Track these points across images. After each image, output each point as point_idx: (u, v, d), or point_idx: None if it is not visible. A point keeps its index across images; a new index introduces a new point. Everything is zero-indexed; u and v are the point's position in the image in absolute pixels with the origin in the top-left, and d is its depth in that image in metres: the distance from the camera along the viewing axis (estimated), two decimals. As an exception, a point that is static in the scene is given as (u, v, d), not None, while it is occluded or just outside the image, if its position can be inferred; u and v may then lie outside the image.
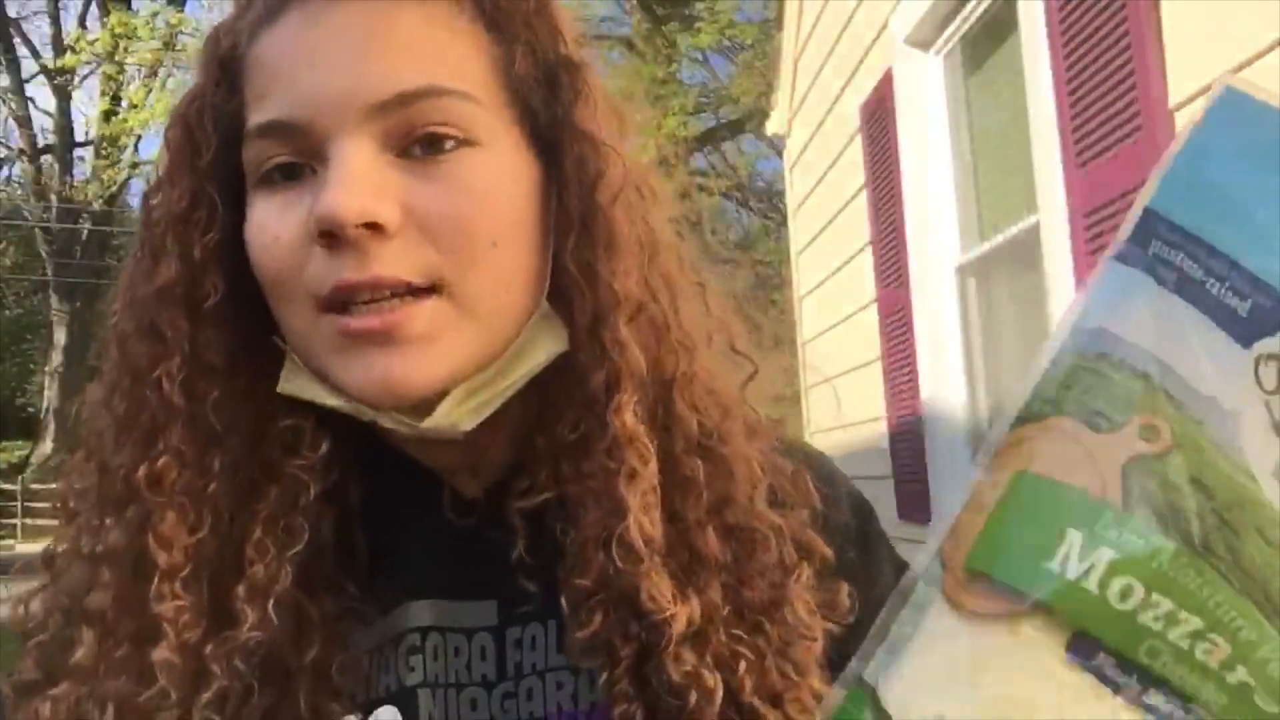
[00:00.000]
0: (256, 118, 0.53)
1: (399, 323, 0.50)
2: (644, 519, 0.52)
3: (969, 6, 3.12)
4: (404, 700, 0.55)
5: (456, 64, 0.53)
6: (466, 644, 0.57)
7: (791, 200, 5.39)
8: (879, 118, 3.73)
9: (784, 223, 6.35)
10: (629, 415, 0.53)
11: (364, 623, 0.56)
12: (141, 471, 0.53)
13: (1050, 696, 0.31)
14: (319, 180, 0.52)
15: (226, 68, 0.57)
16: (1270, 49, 1.77)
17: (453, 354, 0.52)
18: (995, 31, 3.06)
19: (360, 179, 0.50)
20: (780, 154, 5.89)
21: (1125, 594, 0.31)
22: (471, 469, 0.59)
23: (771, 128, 5.68)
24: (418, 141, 0.52)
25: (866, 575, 0.62)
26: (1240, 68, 1.84)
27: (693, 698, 0.51)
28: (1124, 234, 0.35)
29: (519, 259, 0.54)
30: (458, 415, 0.54)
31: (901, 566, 0.65)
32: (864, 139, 3.93)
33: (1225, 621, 0.31)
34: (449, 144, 0.52)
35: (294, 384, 0.55)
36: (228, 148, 0.56)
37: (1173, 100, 2.02)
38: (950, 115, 3.41)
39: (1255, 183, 0.33)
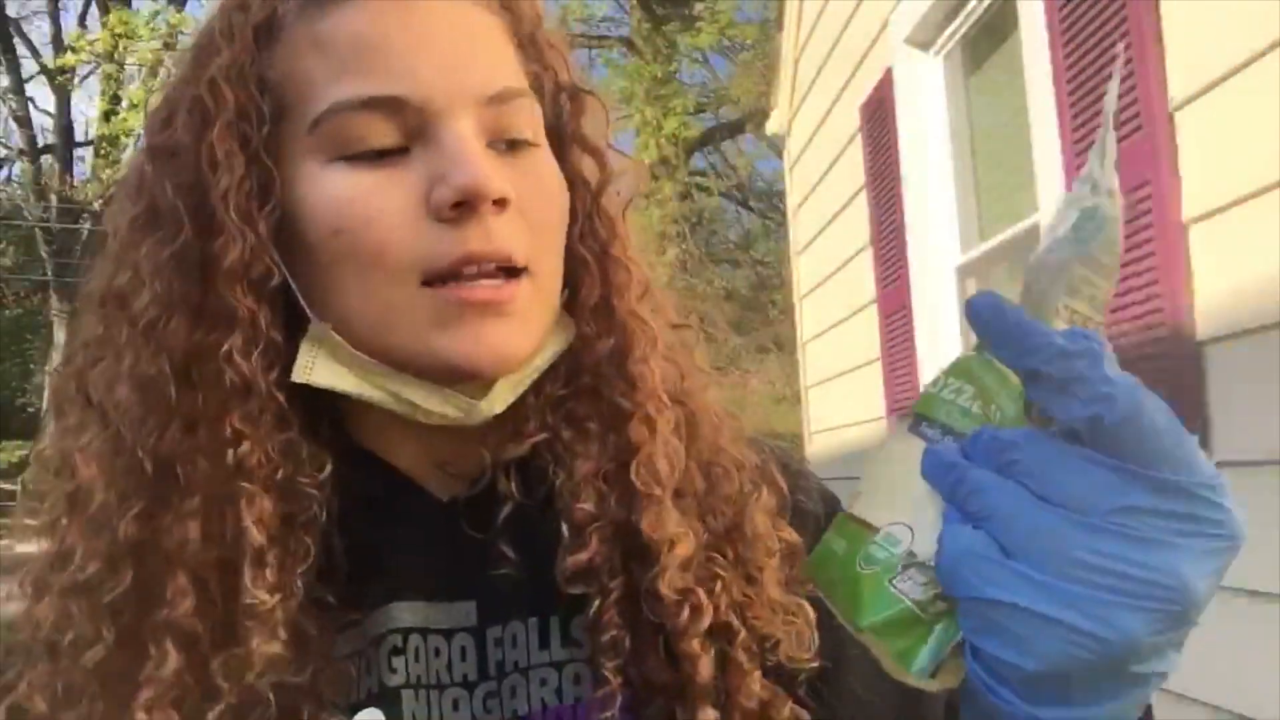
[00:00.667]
0: (355, 90, 0.53)
1: (511, 296, 0.54)
2: (660, 455, 0.57)
3: (969, 6, 3.12)
4: (387, 702, 0.55)
5: (519, 72, 0.59)
6: (446, 645, 0.57)
7: (791, 200, 5.39)
8: (879, 118, 3.73)
9: (784, 223, 6.35)
10: (650, 370, 0.59)
11: (346, 627, 0.56)
12: (230, 454, 0.51)
13: (898, 451, 0.46)
14: (420, 159, 0.53)
15: (261, 37, 0.56)
16: (1270, 49, 1.77)
17: (536, 327, 0.56)
18: (995, 31, 3.06)
19: (488, 156, 0.54)
20: (780, 154, 5.89)
21: (943, 386, 0.46)
22: (458, 466, 0.59)
23: (771, 128, 5.68)
24: (503, 143, 0.56)
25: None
26: (1240, 68, 1.84)
27: (683, 614, 0.55)
28: None
29: (563, 250, 0.60)
30: (500, 397, 0.56)
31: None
32: (864, 139, 3.93)
33: (985, 387, 0.45)
34: (526, 147, 0.57)
35: (319, 372, 0.54)
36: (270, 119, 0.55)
37: (1173, 100, 2.02)
38: (950, 115, 3.41)
39: None
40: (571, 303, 0.60)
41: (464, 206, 0.52)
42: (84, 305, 0.58)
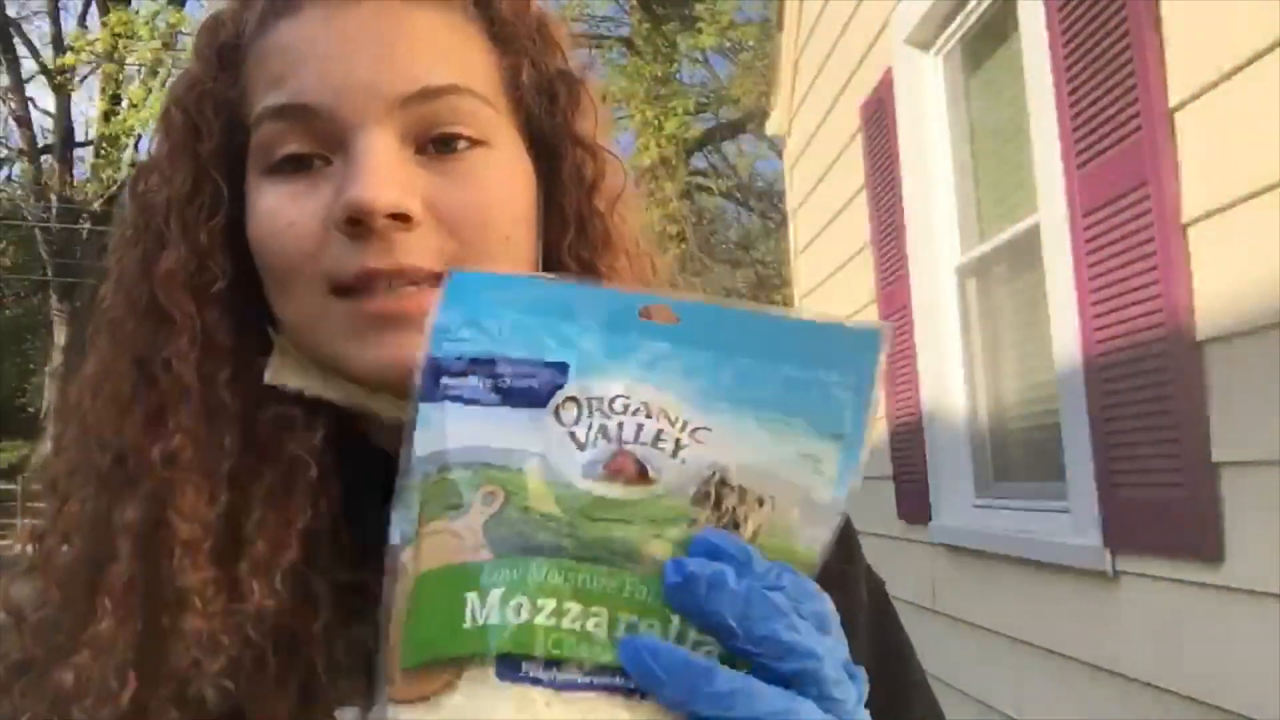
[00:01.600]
0: (272, 99, 0.54)
1: (419, 306, 0.52)
2: None
3: (969, 6, 3.12)
4: None
5: (471, 69, 0.56)
6: None
7: (791, 200, 5.39)
8: (879, 118, 3.73)
9: (784, 223, 6.34)
10: None
11: (358, 613, 0.55)
12: (156, 450, 0.53)
13: (501, 714, 0.38)
14: (337, 170, 0.54)
15: (226, 56, 0.58)
16: (1270, 49, 1.77)
17: None
18: (995, 31, 3.06)
19: (388, 171, 0.52)
20: (780, 154, 5.89)
21: (518, 611, 0.39)
22: None
23: (771, 128, 5.68)
24: (433, 141, 0.55)
25: (841, 577, 0.63)
26: (1240, 68, 1.84)
27: None
28: (419, 381, 0.43)
29: (523, 254, 0.58)
30: None
31: (875, 581, 0.67)
32: (864, 139, 3.93)
33: (600, 591, 0.39)
34: (462, 144, 0.55)
35: (284, 375, 0.56)
36: (226, 135, 0.57)
37: (1173, 100, 2.02)
38: (950, 115, 3.41)
39: (503, 311, 0.44)
40: None
41: (359, 224, 0.52)
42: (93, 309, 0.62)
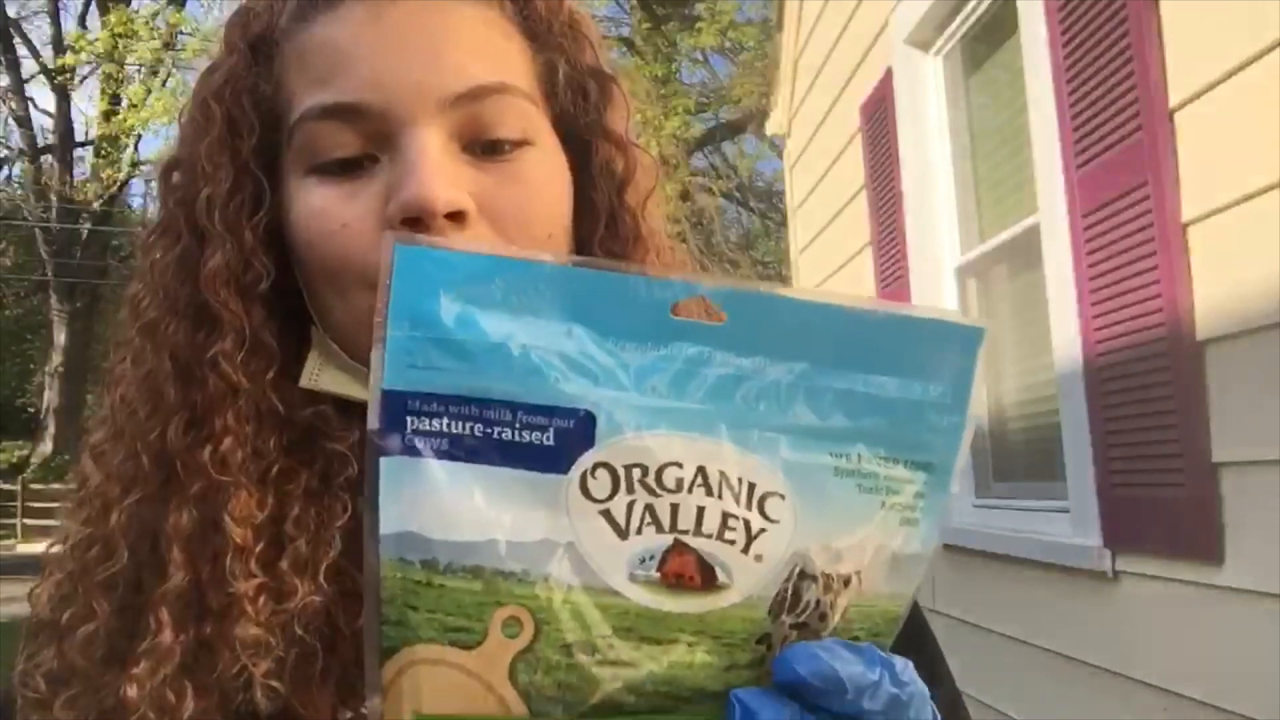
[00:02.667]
0: (319, 99, 0.53)
1: None
2: None
3: (969, 6, 3.12)
4: None
5: (514, 65, 0.57)
6: None
7: (791, 200, 5.39)
8: (879, 118, 3.73)
9: (784, 223, 6.34)
10: None
11: None
12: (205, 452, 0.52)
13: None
14: (384, 168, 0.53)
15: (259, 50, 0.57)
16: (1270, 49, 1.77)
17: None
18: (995, 31, 3.06)
19: (442, 169, 0.52)
20: (780, 154, 5.88)
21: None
22: None
23: (771, 128, 5.68)
24: (480, 143, 0.54)
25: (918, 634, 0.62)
26: (1240, 68, 1.84)
27: None
28: (373, 422, 0.32)
29: (562, 249, 0.58)
30: None
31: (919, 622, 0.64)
32: (864, 139, 3.93)
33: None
34: (508, 147, 0.55)
35: (322, 379, 0.56)
36: (263, 131, 0.56)
37: (1173, 100, 2.02)
38: (950, 115, 3.41)
39: (487, 323, 0.32)
40: None
41: (416, 222, 0.51)
42: (120, 305, 0.61)
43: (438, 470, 0.32)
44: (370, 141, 0.53)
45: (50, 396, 21.78)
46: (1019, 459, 3.08)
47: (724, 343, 0.34)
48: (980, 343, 0.36)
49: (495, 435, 0.32)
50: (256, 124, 0.56)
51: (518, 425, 0.32)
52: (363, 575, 0.34)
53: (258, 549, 0.52)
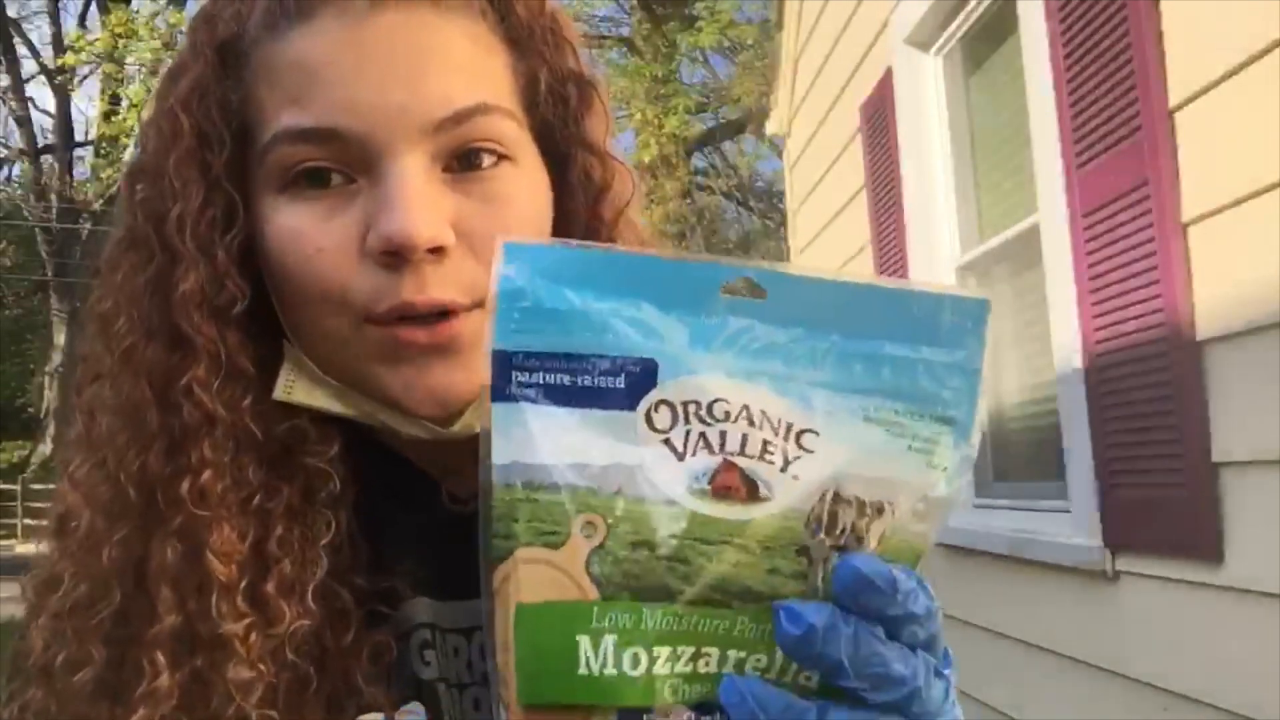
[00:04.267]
0: (293, 121, 0.52)
1: (455, 335, 0.52)
2: None
3: (969, 6, 3.12)
4: (425, 695, 0.55)
5: (495, 81, 0.55)
6: (465, 644, 0.57)
7: (791, 200, 5.39)
8: (879, 118, 3.73)
9: (784, 223, 6.34)
10: None
11: (374, 619, 0.56)
12: (184, 486, 0.51)
13: None
14: (362, 190, 0.52)
15: (227, 57, 0.55)
16: (1270, 49, 1.77)
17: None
18: (995, 31, 3.06)
19: (424, 201, 0.51)
20: (780, 154, 5.88)
21: (635, 662, 0.38)
22: (467, 473, 0.59)
23: (771, 128, 5.68)
24: (459, 156, 0.53)
25: None
26: (1240, 68, 1.84)
27: None
28: (488, 378, 0.40)
29: None
30: (475, 419, 0.54)
31: None
32: (864, 139, 3.93)
33: (711, 632, 0.39)
34: (487, 160, 0.54)
35: (296, 392, 0.55)
36: (234, 145, 0.55)
37: (1173, 100, 2.02)
38: (950, 115, 3.41)
39: (573, 297, 0.40)
40: None
41: (396, 255, 0.50)
42: (86, 317, 0.59)
43: (536, 412, 0.39)
44: (347, 164, 0.52)
45: (50, 396, 21.78)
46: (1019, 459, 3.08)
47: (766, 316, 0.41)
48: (987, 311, 0.42)
49: (579, 383, 0.39)
50: (228, 138, 0.54)
51: (596, 374, 0.39)
52: (479, 495, 0.40)
53: (242, 584, 0.50)
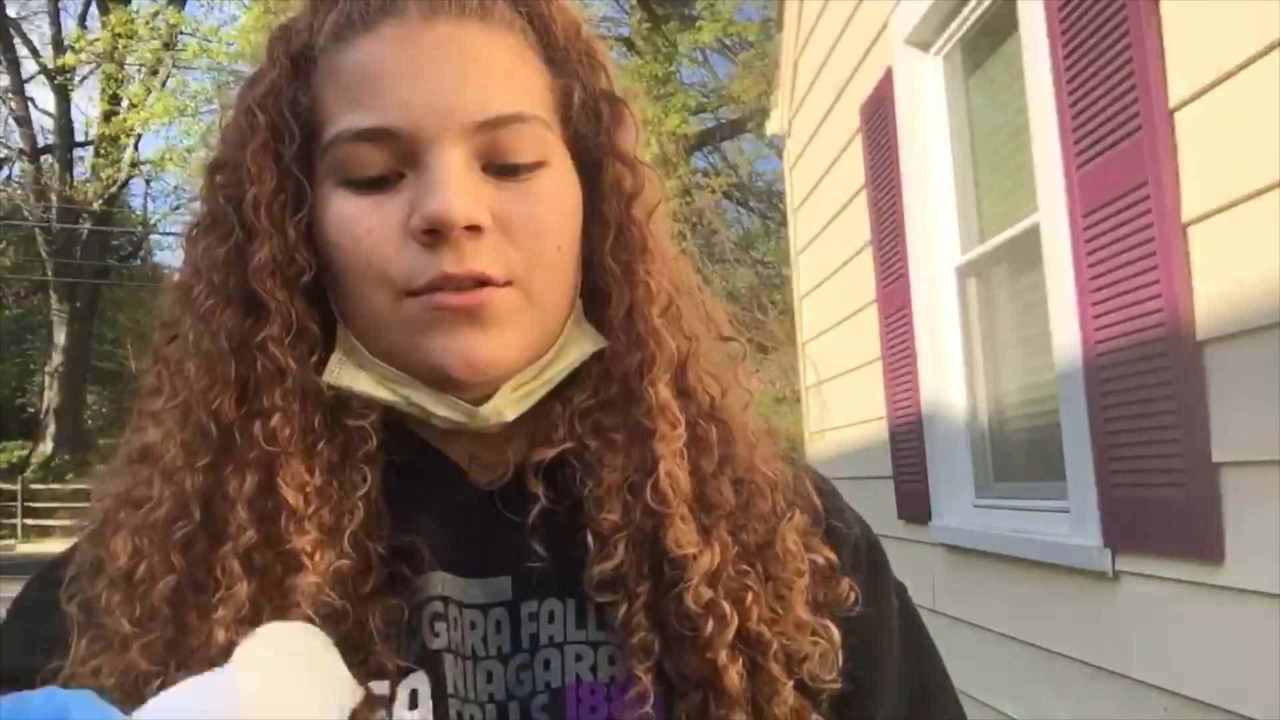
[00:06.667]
0: (354, 123, 0.58)
1: (487, 301, 0.58)
2: (675, 470, 0.60)
3: (969, 6, 3.12)
4: (431, 663, 0.59)
5: (532, 93, 0.61)
6: (482, 619, 0.60)
7: (791, 200, 5.39)
8: (879, 118, 3.74)
9: (784, 223, 6.35)
10: (662, 388, 0.62)
11: (393, 587, 0.59)
12: (257, 426, 0.58)
13: None
14: (410, 183, 0.58)
15: (299, 64, 0.62)
16: (1270, 49, 1.77)
17: (523, 338, 0.60)
18: (995, 31, 3.06)
19: (463, 185, 0.57)
20: (780, 154, 5.89)
21: None
22: (490, 463, 0.64)
23: (771, 128, 5.68)
24: (497, 162, 0.59)
25: (874, 589, 0.67)
26: (1240, 68, 1.84)
27: (709, 626, 0.58)
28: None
29: (571, 261, 0.63)
30: (505, 405, 0.61)
31: (900, 587, 0.71)
32: (864, 139, 3.93)
33: None
34: (523, 169, 0.60)
35: (343, 376, 0.61)
36: (302, 140, 0.61)
37: (1173, 100, 2.02)
38: (950, 115, 3.41)
39: None
40: (603, 315, 0.64)
41: (436, 233, 0.56)
42: (166, 290, 0.66)
43: None
44: (398, 159, 0.58)
45: (50, 396, 21.79)
46: (1019, 459, 3.09)
47: None
48: None
49: None
50: (297, 133, 0.61)
51: None
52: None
53: (309, 511, 0.57)
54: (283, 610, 0.55)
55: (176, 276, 0.65)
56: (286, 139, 0.61)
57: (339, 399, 0.61)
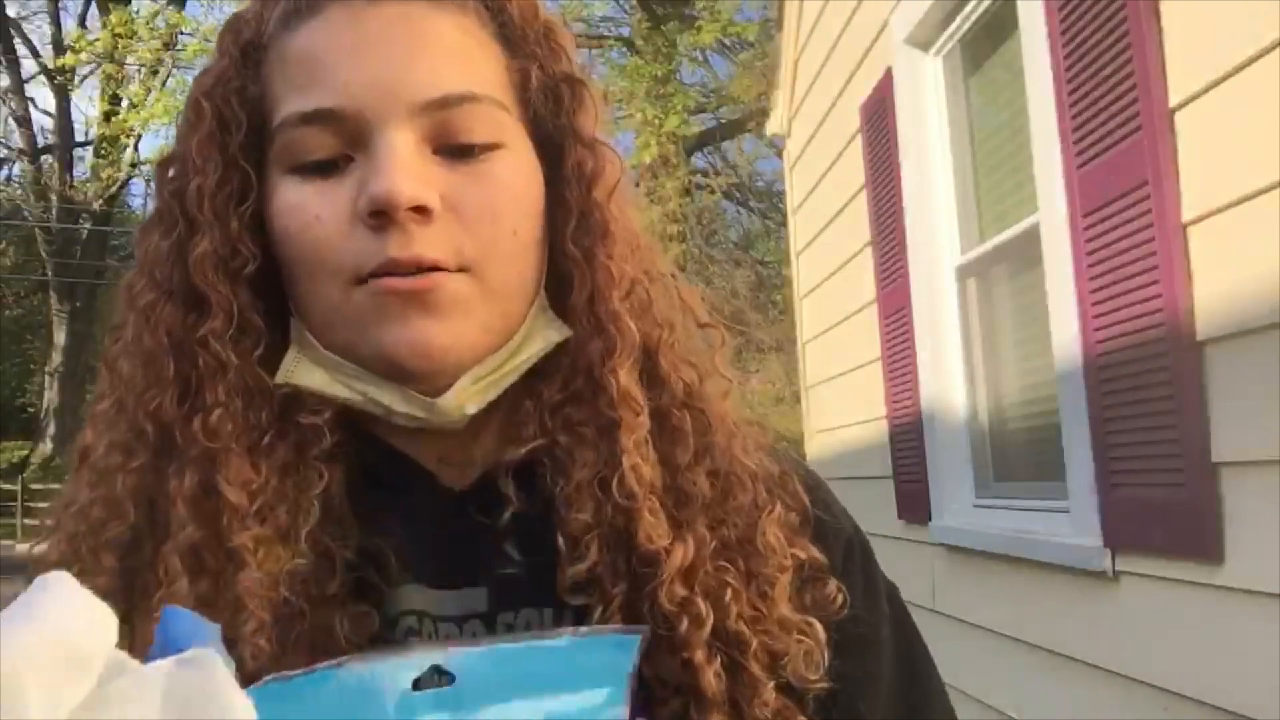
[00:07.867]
0: (298, 106, 0.57)
1: (438, 285, 0.55)
2: (639, 462, 0.58)
3: (969, 6, 3.12)
4: None
5: (486, 73, 0.59)
6: (458, 631, 0.59)
7: (791, 200, 5.39)
8: (879, 118, 3.73)
9: (784, 223, 6.35)
10: (624, 375, 0.59)
11: (361, 604, 0.57)
12: (197, 423, 0.56)
13: None
14: (358, 166, 0.56)
15: (249, 54, 0.61)
16: (1270, 49, 1.77)
17: (478, 325, 0.57)
18: (995, 31, 3.06)
19: (409, 166, 0.55)
20: (780, 154, 5.89)
21: None
22: (459, 463, 0.61)
23: (771, 128, 5.68)
24: (449, 144, 0.57)
25: (866, 588, 0.66)
26: (1240, 68, 1.84)
27: (683, 624, 0.56)
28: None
29: (530, 246, 0.60)
30: (466, 397, 0.58)
31: (891, 588, 0.69)
32: (864, 139, 3.93)
33: None
34: (477, 150, 0.58)
35: (296, 374, 0.59)
36: (251, 129, 0.60)
37: (1173, 100, 2.02)
38: (950, 115, 3.41)
39: None
40: (564, 303, 0.61)
41: (382, 215, 0.54)
42: (116, 293, 0.64)
43: None
44: (346, 143, 0.56)
45: (50, 396, 21.78)
46: (1019, 459, 3.08)
47: (457, 701, 0.45)
48: (639, 643, 0.48)
49: None
50: (244, 121, 0.59)
51: None
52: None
53: (254, 508, 0.55)
54: (234, 609, 0.53)
55: (128, 277, 0.63)
56: (233, 129, 0.59)
57: (291, 396, 0.58)
